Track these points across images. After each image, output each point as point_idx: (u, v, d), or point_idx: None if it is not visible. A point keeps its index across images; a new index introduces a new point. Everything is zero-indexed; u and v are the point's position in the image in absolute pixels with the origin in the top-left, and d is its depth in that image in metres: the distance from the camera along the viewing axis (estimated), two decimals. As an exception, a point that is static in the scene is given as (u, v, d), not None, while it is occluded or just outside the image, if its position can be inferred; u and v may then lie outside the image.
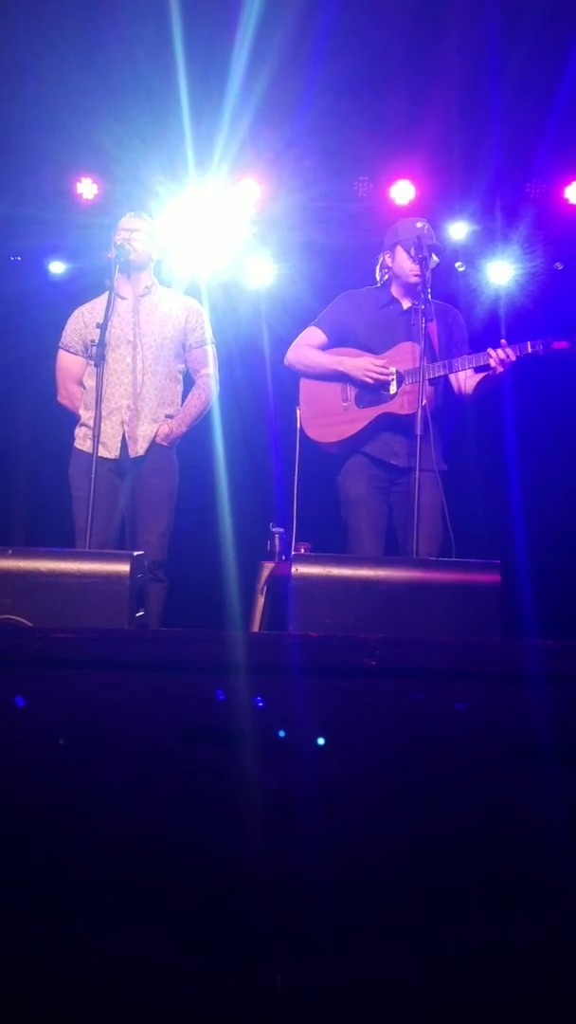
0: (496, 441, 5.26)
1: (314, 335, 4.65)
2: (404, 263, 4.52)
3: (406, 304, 4.54)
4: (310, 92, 5.21)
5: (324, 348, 4.62)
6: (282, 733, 2.37)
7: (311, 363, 4.61)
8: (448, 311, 4.65)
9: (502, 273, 5.60)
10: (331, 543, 4.62)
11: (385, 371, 4.47)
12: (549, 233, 5.62)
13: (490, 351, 4.33)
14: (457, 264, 5.67)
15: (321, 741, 2.38)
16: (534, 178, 5.58)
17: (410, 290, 4.53)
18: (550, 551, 5.52)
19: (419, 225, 4.54)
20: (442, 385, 4.52)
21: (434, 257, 4.49)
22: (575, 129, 5.37)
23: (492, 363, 4.31)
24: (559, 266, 5.69)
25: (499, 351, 4.30)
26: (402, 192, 5.60)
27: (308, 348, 4.63)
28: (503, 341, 4.33)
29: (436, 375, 4.41)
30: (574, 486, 5.74)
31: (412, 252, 4.46)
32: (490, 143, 5.39)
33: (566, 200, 5.57)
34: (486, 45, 5.07)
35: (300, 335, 4.69)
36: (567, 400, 5.71)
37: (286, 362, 4.70)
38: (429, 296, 4.38)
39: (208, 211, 5.46)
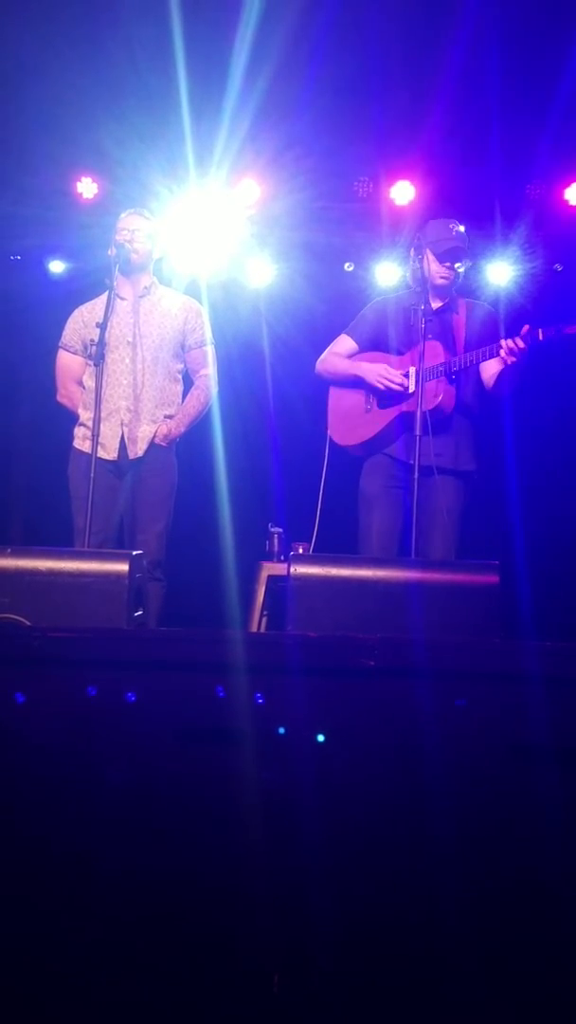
0: (495, 440, 5.25)
1: (343, 343, 4.67)
2: (432, 266, 4.50)
3: (436, 304, 4.53)
4: (310, 92, 5.20)
5: (354, 355, 4.63)
6: (282, 730, 2.37)
7: (334, 371, 4.64)
8: (479, 307, 4.64)
9: (501, 274, 5.59)
10: (351, 546, 4.63)
11: (399, 377, 4.47)
12: (548, 234, 5.62)
13: (501, 342, 4.32)
14: (456, 264, 5.66)
15: (321, 738, 2.38)
16: (534, 179, 5.58)
17: (439, 291, 4.52)
18: (549, 552, 5.52)
19: (451, 227, 4.53)
20: (469, 381, 4.50)
21: (465, 263, 4.50)
22: (575, 130, 5.37)
23: (502, 353, 4.30)
24: (558, 268, 5.69)
25: (508, 341, 4.29)
26: (402, 192, 5.60)
27: (334, 356, 4.65)
28: (525, 327, 4.31)
29: (453, 369, 4.40)
30: (573, 486, 5.73)
31: (439, 255, 4.46)
32: (490, 144, 5.38)
33: (566, 202, 5.56)
34: (486, 45, 5.07)
35: (331, 343, 4.70)
36: (567, 400, 5.71)
37: (316, 371, 4.72)
38: (436, 295, 4.39)
39: (208, 211, 5.46)
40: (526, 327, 4.30)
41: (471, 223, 5.55)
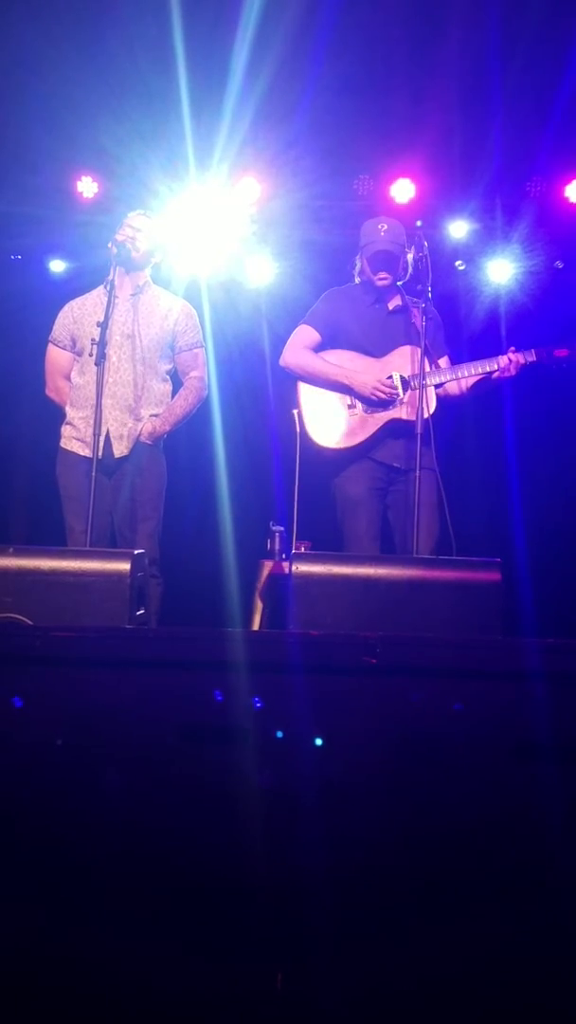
0: (496, 439, 5.26)
1: (308, 335, 4.59)
2: (366, 269, 4.50)
3: (391, 304, 4.52)
4: (310, 91, 5.20)
5: (319, 347, 4.58)
6: (280, 734, 2.37)
7: (313, 371, 4.54)
8: (429, 310, 4.62)
9: (502, 272, 5.60)
10: (331, 542, 4.61)
11: (392, 390, 4.42)
12: (549, 232, 5.62)
13: (499, 359, 4.34)
14: (457, 263, 5.67)
15: (319, 742, 2.38)
16: (535, 176, 5.58)
17: (387, 291, 4.51)
18: (551, 549, 5.52)
19: (380, 227, 4.47)
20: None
21: (409, 255, 4.45)
22: (576, 128, 5.38)
23: (497, 368, 4.36)
24: (559, 265, 5.70)
25: (504, 357, 4.32)
26: (402, 190, 5.60)
27: (306, 352, 4.57)
28: (512, 349, 4.34)
29: (444, 380, 4.41)
30: (574, 484, 5.74)
31: (369, 259, 4.46)
32: (491, 141, 5.39)
33: (566, 199, 5.57)
34: (487, 43, 5.07)
35: (293, 335, 4.63)
36: (568, 398, 5.71)
37: (283, 364, 4.63)
38: (429, 294, 4.38)
39: (208, 210, 5.46)
40: (511, 348, 4.36)
41: (472, 220, 5.59)
